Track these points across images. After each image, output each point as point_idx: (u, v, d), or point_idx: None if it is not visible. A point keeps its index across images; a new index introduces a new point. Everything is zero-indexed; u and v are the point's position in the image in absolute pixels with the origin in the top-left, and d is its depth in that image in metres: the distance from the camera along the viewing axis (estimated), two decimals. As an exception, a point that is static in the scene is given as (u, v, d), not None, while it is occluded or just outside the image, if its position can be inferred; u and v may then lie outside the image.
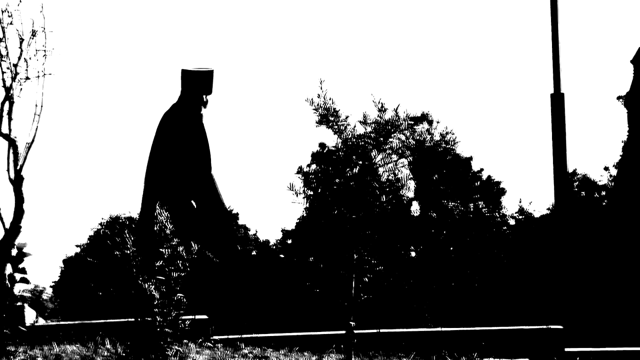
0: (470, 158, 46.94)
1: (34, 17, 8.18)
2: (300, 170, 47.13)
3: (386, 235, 41.97)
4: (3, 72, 8.10)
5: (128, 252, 7.99)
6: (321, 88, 7.93)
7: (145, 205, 11.48)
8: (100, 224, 57.65)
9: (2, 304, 7.62)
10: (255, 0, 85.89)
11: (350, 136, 8.03)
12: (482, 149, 76.29)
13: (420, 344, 10.12)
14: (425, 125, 45.62)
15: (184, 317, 8.13)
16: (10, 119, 8.07)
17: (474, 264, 43.49)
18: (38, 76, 8.18)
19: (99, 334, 9.29)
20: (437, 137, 46.68)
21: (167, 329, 7.95)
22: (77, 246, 59.32)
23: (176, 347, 8.02)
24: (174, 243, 8.13)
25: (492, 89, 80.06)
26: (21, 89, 8.14)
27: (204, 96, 11.86)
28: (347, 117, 8.03)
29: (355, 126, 8.08)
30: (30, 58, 8.16)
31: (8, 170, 8.00)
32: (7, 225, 7.88)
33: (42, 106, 8.17)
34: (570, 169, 33.51)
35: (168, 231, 8.14)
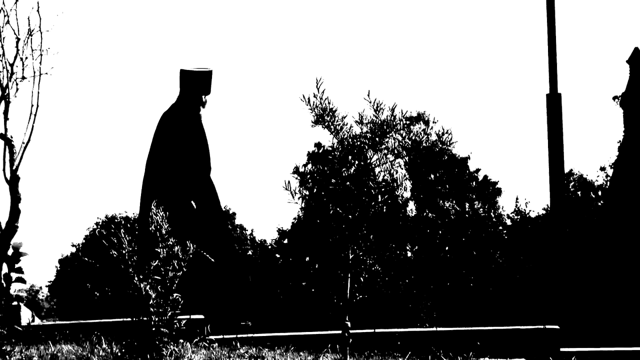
0: (467, 158, 46.97)
1: (30, 16, 8.17)
2: (296, 170, 47.12)
3: (382, 235, 41.99)
4: (-1, 72, 8.10)
5: (124, 251, 7.98)
6: (318, 87, 7.93)
7: (144, 205, 11.47)
8: (96, 223, 57.64)
9: (-2, 304, 7.62)
10: (252, 0, 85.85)
11: (346, 136, 8.03)
12: (478, 149, 76.34)
13: (416, 343, 10.12)
14: (422, 125, 45.65)
15: (180, 317, 8.13)
16: (6, 118, 8.06)
17: (470, 264, 43.51)
18: (34, 76, 8.17)
19: (95, 333, 9.29)
20: (433, 137, 46.46)
21: (163, 329, 7.95)
22: (73, 246, 59.32)
23: (172, 346, 8.02)
24: (170, 243, 8.13)
25: (488, 89, 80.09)
26: (17, 88, 8.13)
27: (203, 96, 11.85)
28: (343, 117, 8.03)
29: (351, 126, 8.08)
30: (26, 58, 8.16)
31: (4, 170, 8.00)
32: (3, 225, 7.87)
33: (38, 106, 8.16)
34: (566, 169, 33.49)
35: (164, 231, 8.13)
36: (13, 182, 7.98)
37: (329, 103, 8.00)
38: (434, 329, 10.55)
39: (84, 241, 58.13)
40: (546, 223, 41.99)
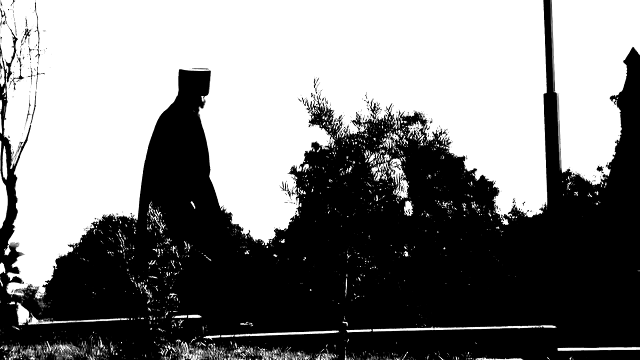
0: (464, 158, 46.96)
1: (27, 16, 8.17)
2: (293, 170, 47.14)
3: (379, 235, 41.99)
4: (-4, 72, 8.10)
5: (121, 251, 7.99)
6: (315, 87, 7.93)
7: (143, 205, 11.47)
8: (94, 223, 57.64)
9: (-5, 304, 7.62)
10: (249, 1, 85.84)
11: (343, 136, 8.03)
12: (475, 149, 76.41)
13: (414, 343, 10.12)
14: (419, 125, 45.64)
15: (177, 317, 8.13)
16: (3, 118, 8.06)
17: (467, 264, 43.52)
18: (31, 75, 8.17)
19: (92, 333, 9.28)
20: (430, 137, 46.75)
21: (160, 329, 7.95)
22: (70, 246, 59.30)
23: (169, 346, 8.02)
24: (166, 243, 8.13)
25: (485, 88, 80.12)
26: (14, 88, 8.13)
27: (202, 97, 11.86)
28: (340, 117, 8.03)
29: (348, 126, 8.09)
30: (23, 57, 8.16)
31: (1, 169, 8.00)
32: (0, 225, 7.87)
33: (35, 106, 8.16)
34: (563, 169, 33.52)
35: (161, 231, 8.13)
36: (10, 182, 7.98)
37: (326, 103, 8.00)
38: (432, 328, 10.56)
39: (81, 241, 58.12)
40: (543, 223, 42.00)
